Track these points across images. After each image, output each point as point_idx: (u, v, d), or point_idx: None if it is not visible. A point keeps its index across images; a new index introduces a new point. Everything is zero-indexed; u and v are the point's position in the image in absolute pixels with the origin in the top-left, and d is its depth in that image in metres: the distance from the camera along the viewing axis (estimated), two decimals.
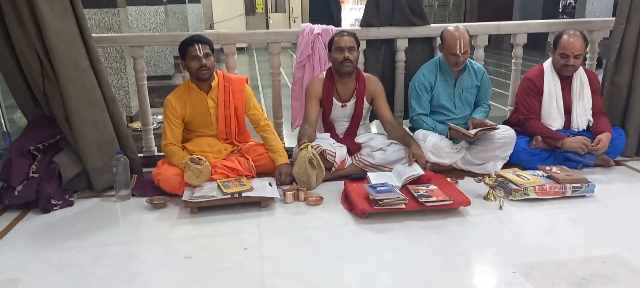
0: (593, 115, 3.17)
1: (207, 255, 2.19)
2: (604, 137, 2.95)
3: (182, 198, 2.58)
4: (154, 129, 3.58)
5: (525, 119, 3.17)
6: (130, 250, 2.25)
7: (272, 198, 2.63)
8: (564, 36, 2.99)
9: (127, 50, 3.75)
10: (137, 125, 4.40)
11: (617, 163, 3.20)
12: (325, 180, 2.92)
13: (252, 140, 3.10)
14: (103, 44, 3.68)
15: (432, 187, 2.63)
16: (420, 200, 2.47)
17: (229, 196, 2.56)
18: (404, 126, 3.63)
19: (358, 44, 3.05)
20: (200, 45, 2.75)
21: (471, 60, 3.25)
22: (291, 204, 2.67)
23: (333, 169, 2.96)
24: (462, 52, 2.98)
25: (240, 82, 2.95)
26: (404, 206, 2.45)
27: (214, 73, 2.92)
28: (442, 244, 2.24)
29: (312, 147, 2.75)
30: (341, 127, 3.18)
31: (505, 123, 3.41)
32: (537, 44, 9.29)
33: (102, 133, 2.83)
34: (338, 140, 3.10)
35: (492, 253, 2.15)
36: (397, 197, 2.45)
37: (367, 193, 2.53)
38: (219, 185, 2.66)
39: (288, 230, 2.41)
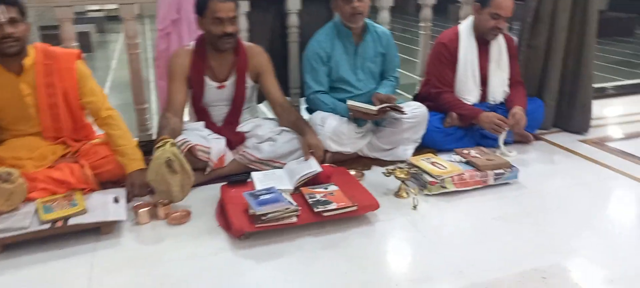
0: (510, 85, 2.79)
1: None
2: (519, 110, 2.57)
3: None
4: None
5: (437, 92, 2.72)
6: None
7: (115, 222, 1.90)
8: None
9: None
10: None
11: (536, 137, 2.87)
12: (198, 185, 2.25)
13: (97, 137, 2.32)
14: None
15: (332, 188, 2.07)
16: (316, 210, 1.89)
17: (49, 225, 1.80)
18: (302, 105, 3.07)
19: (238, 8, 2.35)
20: (2, 6, 1.91)
21: (374, 24, 2.70)
22: (147, 225, 1.97)
23: (208, 169, 2.29)
24: None
25: (68, 58, 2.13)
26: (295, 219, 1.87)
27: (32, 47, 2.09)
28: (346, 269, 1.69)
29: (172, 143, 2.05)
30: (219, 113, 2.49)
31: (415, 98, 2.95)
32: (439, 8, 9.13)
33: None
34: (215, 130, 2.42)
35: (408, 279, 1.64)
36: (286, 209, 1.85)
37: (248, 205, 1.91)
38: (37, 209, 1.89)
39: (134, 266, 1.71)
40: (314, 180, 2.14)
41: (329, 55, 2.58)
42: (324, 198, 1.97)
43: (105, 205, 1.93)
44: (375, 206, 1.98)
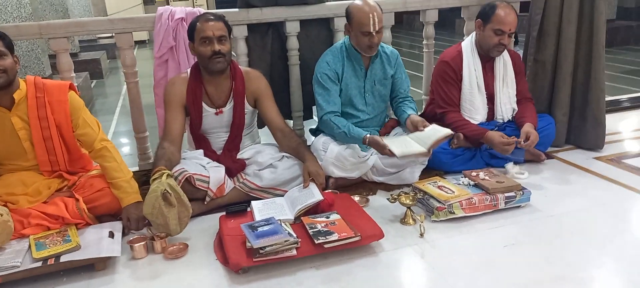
0: (518, 101, 2.70)
1: None
2: (530, 128, 2.47)
3: None
4: None
5: (443, 112, 2.63)
6: None
7: (109, 258, 1.84)
8: (499, 9, 2.46)
9: None
10: None
11: (548, 156, 2.76)
12: (197, 215, 2.18)
13: (95, 168, 2.27)
14: None
15: (334, 216, 1.98)
16: (317, 241, 1.81)
17: (40, 263, 1.74)
18: (305, 128, 3.01)
19: (230, 30, 2.31)
20: None
21: (382, 43, 2.63)
22: (143, 260, 1.90)
23: (208, 199, 2.23)
24: (377, 29, 2.35)
25: (60, 90, 2.08)
26: (294, 252, 1.78)
27: (23, 81, 2.06)
28: None
29: (168, 174, 1.99)
30: (218, 140, 2.43)
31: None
32: (446, 23, 9.04)
33: None
34: (215, 157, 2.37)
35: None
36: (285, 241, 1.77)
37: (245, 237, 1.83)
38: (30, 246, 1.83)
39: None
40: (315, 209, 2.07)
41: (339, 76, 2.51)
42: (325, 228, 1.88)
43: (99, 241, 1.87)
44: (380, 235, 1.89)
